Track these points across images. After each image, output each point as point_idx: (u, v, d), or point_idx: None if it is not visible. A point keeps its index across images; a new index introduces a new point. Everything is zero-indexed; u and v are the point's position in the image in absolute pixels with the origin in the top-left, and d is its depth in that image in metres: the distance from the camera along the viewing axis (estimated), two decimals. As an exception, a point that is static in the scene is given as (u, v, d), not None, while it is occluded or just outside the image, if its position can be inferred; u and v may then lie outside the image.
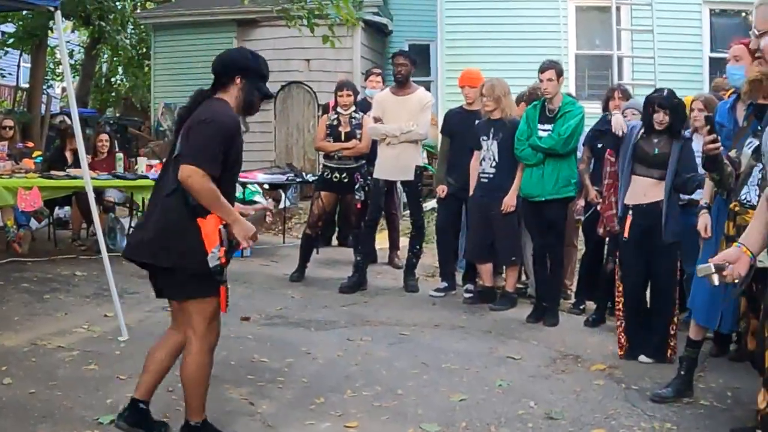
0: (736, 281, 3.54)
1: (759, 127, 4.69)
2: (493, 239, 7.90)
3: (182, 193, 4.19)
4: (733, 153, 4.93)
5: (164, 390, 4.93)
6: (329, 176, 9.05)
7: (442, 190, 8.63)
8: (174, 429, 4.55)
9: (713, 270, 3.53)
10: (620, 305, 6.44)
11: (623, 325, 6.39)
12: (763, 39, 3.07)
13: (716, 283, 3.55)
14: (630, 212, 6.30)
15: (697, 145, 6.14)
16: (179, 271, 4.25)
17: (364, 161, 8.98)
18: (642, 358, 6.27)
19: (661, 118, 6.16)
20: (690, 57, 13.90)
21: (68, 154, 10.78)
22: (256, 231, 4.40)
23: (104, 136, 11.24)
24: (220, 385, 5.42)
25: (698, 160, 5.71)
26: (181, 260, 4.22)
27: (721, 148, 4.69)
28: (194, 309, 4.32)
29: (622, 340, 6.40)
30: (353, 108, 9.07)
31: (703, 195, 5.78)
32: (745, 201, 4.72)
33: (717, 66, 12.66)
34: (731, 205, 4.85)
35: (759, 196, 4.03)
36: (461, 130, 8.45)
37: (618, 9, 14.06)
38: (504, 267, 8.37)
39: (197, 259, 4.17)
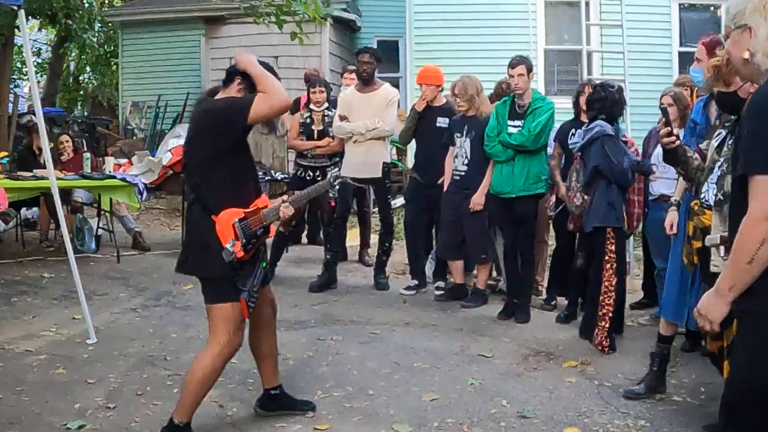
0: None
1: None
2: (464, 237, 7.88)
3: (200, 199, 4.34)
4: (704, 145, 4.89)
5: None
6: (303, 175, 8.92)
7: (421, 103, 8.49)
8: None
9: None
10: (610, 301, 6.41)
11: (610, 322, 6.39)
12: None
13: None
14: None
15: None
16: (207, 277, 4.42)
17: (338, 159, 8.90)
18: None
19: None
20: (659, 51, 13.99)
21: (38, 151, 10.64)
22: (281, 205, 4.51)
23: (65, 137, 11.13)
24: (190, 388, 5.37)
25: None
26: (208, 266, 4.36)
27: (678, 141, 4.55)
28: (217, 314, 4.37)
29: (608, 338, 6.40)
30: (326, 105, 8.99)
31: (674, 191, 5.77)
32: (704, 200, 4.52)
33: (686, 60, 12.69)
34: (692, 203, 4.73)
35: (716, 195, 3.91)
36: (425, 126, 8.41)
37: (587, 4, 14.04)
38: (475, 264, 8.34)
39: (218, 260, 4.28)
